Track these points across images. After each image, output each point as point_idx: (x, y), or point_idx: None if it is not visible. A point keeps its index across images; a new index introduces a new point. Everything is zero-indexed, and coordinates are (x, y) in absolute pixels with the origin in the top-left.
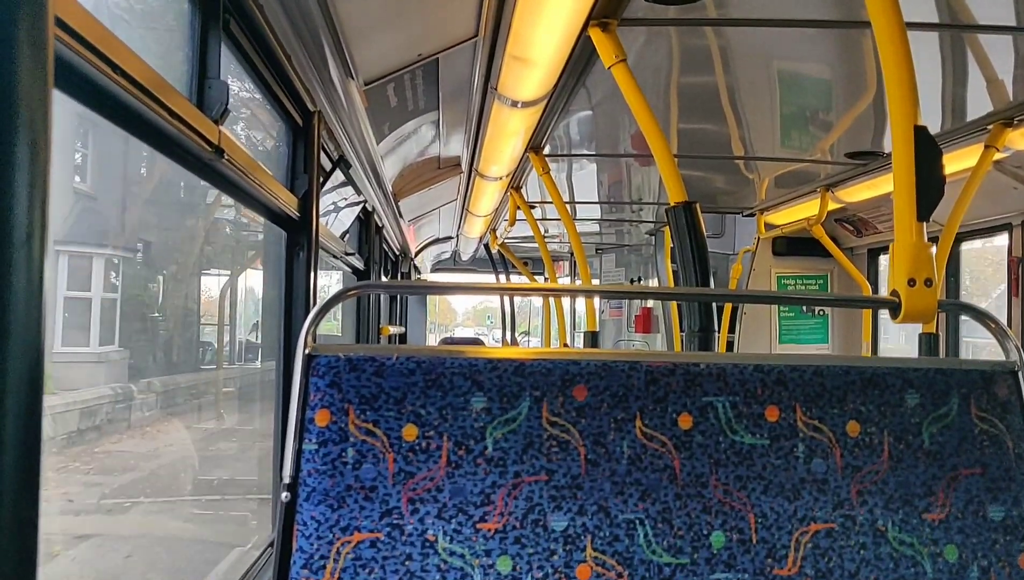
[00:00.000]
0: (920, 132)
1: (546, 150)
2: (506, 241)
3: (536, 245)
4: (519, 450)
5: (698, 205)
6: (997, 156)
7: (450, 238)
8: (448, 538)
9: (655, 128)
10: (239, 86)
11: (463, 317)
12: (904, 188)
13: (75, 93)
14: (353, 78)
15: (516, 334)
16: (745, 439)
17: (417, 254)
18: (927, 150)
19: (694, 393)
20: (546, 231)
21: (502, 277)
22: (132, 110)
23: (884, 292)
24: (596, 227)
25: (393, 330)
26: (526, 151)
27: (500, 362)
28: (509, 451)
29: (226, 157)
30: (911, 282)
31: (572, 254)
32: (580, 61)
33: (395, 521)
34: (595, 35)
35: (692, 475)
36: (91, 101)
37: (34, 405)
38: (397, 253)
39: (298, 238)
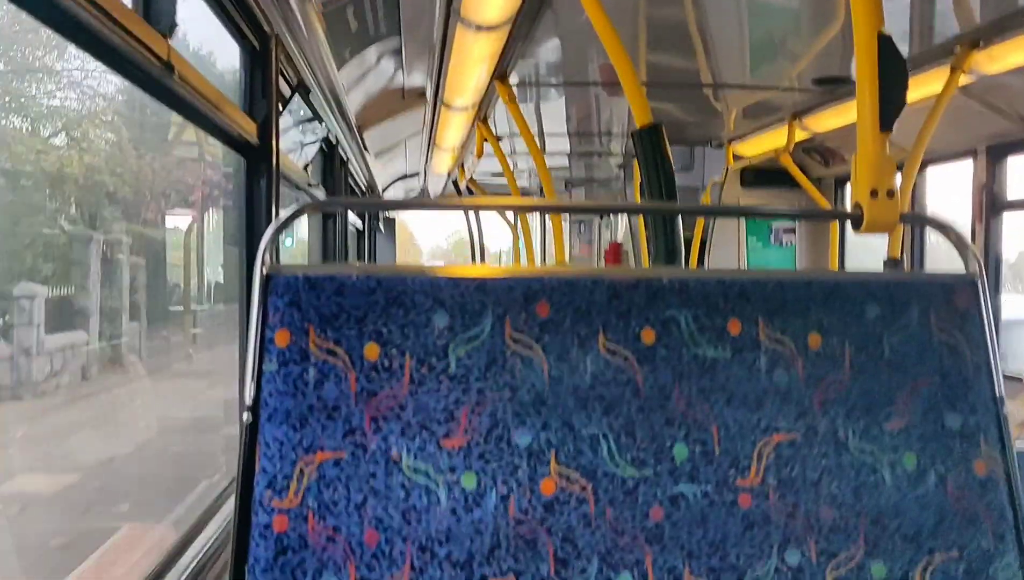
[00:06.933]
0: (883, 40)
1: (513, 79)
2: (475, 177)
3: (505, 181)
4: (482, 367)
5: (663, 126)
6: (963, 80)
7: (417, 174)
8: (412, 456)
9: (620, 50)
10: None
11: (430, 254)
12: (867, 99)
13: None
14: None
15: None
16: (708, 352)
17: (385, 191)
18: (890, 59)
19: (657, 307)
20: (515, 166)
21: (471, 213)
22: (72, 17)
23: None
24: (565, 161)
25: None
26: (492, 79)
27: (462, 280)
28: (472, 368)
29: (177, 74)
30: (873, 193)
31: (542, 189)
32: None
33: (358, 440)
34: None
35: (655, 388)
36: (27, 4)
37: None
38: (364, 188)
39: (258, 165)
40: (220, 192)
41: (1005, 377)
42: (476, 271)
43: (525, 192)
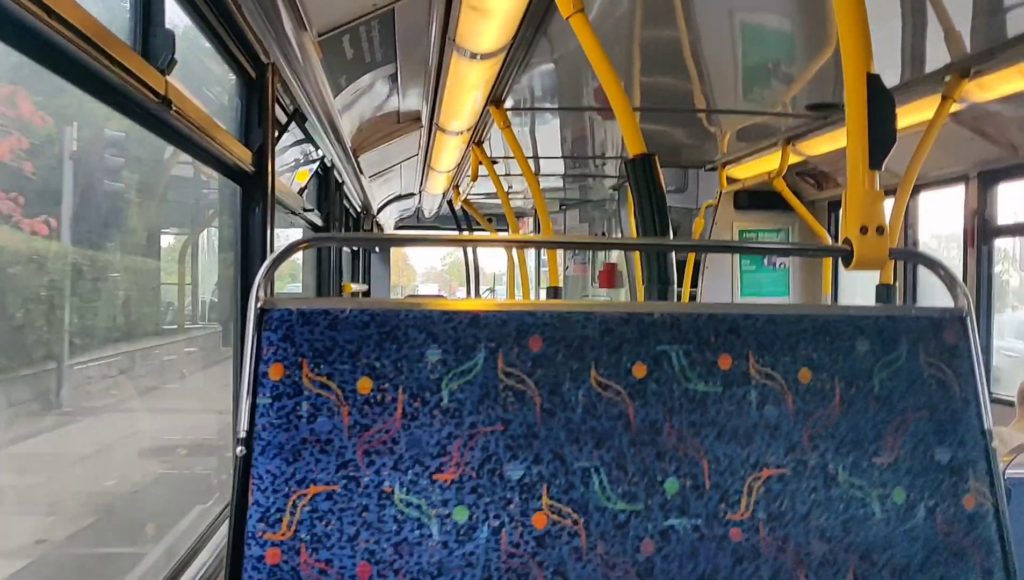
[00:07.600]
0: (873, 80)
1: (507, 104)
2: (469, 197)
3: (500, 202)
4: (475, 401)
5: (656, 157)
6: (954, 108)
7: (412, 195)
8: (404, 489)
9: (613, 80)
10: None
11: (424, 276)
12: (857, 137)
13: (5, 36)
14: (307, 29)
15: (481, 290)
16: (699, 387)
17: (379, 211)
18: (880, 98)
19: (648, 342)
20: (510, 187)
21: (465, 233)
22: (69, 56)
23: None
24: (560, 182)
25: (356, 287)
26: (487, 105)
27: (455, 314)
28: (465, 402)
29: (174, 108)
30: (863, 230)
31: (536, 210)
32: (539, 11)
33: (351, 473)
34: None
35: (646, 423)
36: (22, 45)
37: None
38: (359, 210)
39: (253, 193)
40: (111, 174)
41: (999, 401)
42: (469, 305)
43: (520, 213)
